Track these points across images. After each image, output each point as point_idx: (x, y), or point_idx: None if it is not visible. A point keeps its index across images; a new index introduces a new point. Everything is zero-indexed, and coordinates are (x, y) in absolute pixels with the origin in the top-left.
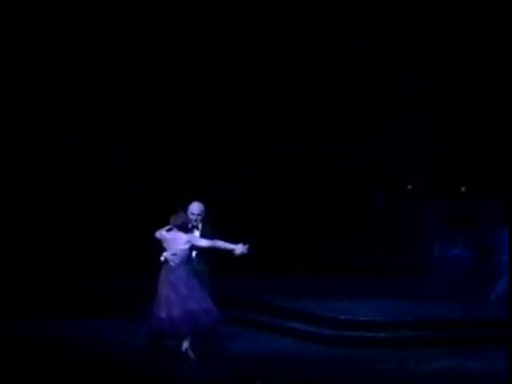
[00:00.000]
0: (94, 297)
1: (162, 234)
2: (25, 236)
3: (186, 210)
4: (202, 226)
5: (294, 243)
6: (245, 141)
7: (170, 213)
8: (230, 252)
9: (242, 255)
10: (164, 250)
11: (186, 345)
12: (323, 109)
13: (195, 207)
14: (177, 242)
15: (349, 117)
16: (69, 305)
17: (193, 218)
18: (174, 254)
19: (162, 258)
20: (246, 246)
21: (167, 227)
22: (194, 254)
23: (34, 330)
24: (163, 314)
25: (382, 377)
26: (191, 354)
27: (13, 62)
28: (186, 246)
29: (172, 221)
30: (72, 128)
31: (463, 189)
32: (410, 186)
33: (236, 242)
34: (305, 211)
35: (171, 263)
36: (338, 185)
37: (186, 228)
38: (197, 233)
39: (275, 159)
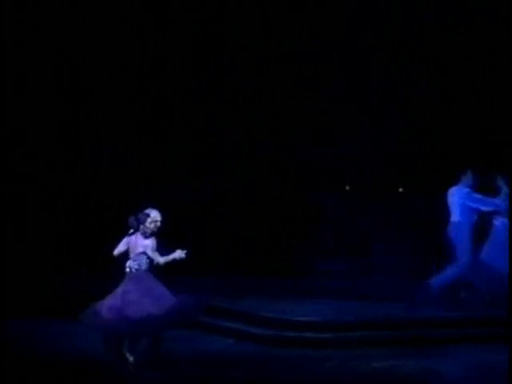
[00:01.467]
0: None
1: (124, 241)
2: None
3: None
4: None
5: (242, 244)
6: (195, 144)
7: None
8: (173, 262)
9: (181, 260)
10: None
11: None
12: (275, 110)
13: (159, 214)
14: (136, 246)
15: (299, 118)
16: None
17: (157, 225)
18: (134, 260)
19: (127, 269)
20: (184, 251)
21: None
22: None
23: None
24: (115, 316)
25: (322, 377)
26: (129, 356)
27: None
28: (142, 250)
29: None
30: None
31: (400, 189)
32: (347, 187)
33: (173, 249)
34: (253, 212)
35: (128, 269)
36: (287, 186)
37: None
38: (154, 241)
39: (224, 161)
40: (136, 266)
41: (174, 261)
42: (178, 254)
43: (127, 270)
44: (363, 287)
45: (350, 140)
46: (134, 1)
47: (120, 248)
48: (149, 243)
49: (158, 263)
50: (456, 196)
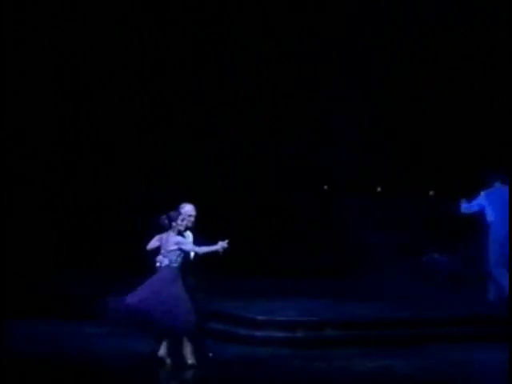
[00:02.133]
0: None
1: (156, 238)
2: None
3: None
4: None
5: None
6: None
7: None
8: (214, 254)
9: (225, 251)
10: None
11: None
12: (250, 109)
13: (192, 209)
14: (167, 244)
15: (272, 117)
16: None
17: (190, 219)
18: (165, 256)
19: (157, 264)
20: (226, 241)
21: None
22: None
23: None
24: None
25: (298, 376)
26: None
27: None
28: (175, 248)
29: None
30: None
31: (379, 189)
32: (325, 187)
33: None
34: (229, 212)
35: (158, 264)
36: (262, 185)
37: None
38: (189, 235)
39: (199, 160)
40: (166, 262)
41: (216, 252)
42: (221, 245)
43: (157, 264)
44: (341, 286)
45: (330, 140)
46: (134, 1)
47: (152, 244)
48: (180, 239)
49: (196, 254)
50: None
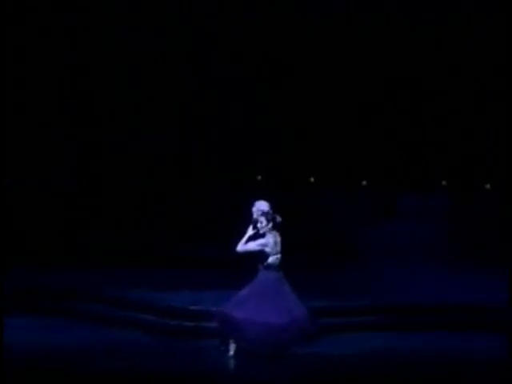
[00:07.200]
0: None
1: (263, 242)
2: None
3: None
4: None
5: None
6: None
7: None
8: None
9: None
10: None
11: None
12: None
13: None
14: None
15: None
16: None
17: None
18: (276, 257)
19: (263, 264)
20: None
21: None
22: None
23: None
24: (245, 317)
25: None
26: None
27: None
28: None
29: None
30: None
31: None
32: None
33: None
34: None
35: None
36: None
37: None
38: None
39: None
40: (263, 264)
41: None
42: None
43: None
44: None
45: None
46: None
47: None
48: (263, 241)
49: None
50: None
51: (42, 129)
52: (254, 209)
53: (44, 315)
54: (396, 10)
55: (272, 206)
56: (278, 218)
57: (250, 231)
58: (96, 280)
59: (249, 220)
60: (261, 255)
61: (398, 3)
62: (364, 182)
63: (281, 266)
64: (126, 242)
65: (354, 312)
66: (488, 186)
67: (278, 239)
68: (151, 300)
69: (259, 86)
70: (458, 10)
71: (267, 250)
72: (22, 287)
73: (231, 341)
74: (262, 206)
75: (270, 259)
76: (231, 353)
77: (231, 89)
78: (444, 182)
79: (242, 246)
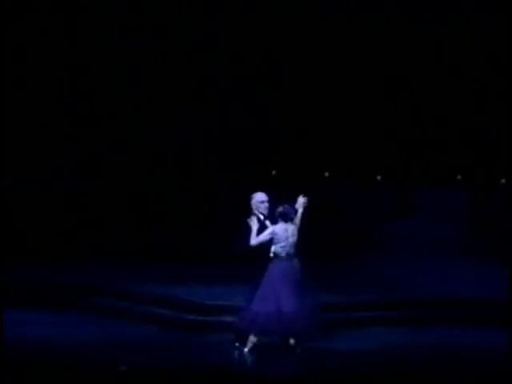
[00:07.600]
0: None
1: (271, 230)
2: None
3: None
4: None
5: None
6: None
7: None
8: None
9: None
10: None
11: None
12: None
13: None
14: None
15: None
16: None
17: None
18: (284, 247)
19: (272, 254)
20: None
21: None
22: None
23: None
24: (259, 309)
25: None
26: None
27: None
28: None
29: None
30: None
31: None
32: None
33: None
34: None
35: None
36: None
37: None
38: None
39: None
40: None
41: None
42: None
43: (271, 254)
44: None
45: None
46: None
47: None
48: (270, 229)
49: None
50: None
51: (42, 129)
52: (253, 201)
53: (58, 310)
54: (396, 10)
55: (269, 198)
56: (280, 208)
57: (255, 225)
58: (103, 275)
59: (248, 214)
60: (271, 245)
61: (398, 3)
62: (378, 177)
63: (295, 255)
64: (126, 242)
65: (367, 307)
66: (503, 181)
67: (290, 228)
68: (167, 295)
69: (259, 86)
70: (458, 10)
71: (276, 238)
72: (34, 283)
73: (251, 336)
74: (259, 197)
75: (277, 248)
76: (247, 349)
77: (231, 89)
78: (459, 177)
79: (254, 240)
